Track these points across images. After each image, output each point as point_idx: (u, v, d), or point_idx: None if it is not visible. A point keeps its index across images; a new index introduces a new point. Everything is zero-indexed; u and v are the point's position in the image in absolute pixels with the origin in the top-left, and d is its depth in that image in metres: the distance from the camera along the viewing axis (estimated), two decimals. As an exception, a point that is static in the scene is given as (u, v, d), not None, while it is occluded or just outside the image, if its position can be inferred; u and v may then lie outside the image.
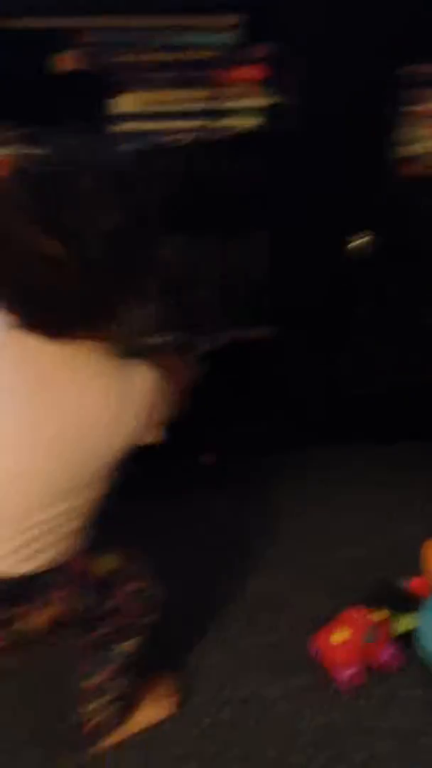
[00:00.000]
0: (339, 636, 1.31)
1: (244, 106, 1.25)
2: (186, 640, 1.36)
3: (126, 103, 1.23)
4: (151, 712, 1.25)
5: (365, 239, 1.36)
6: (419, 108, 1.32)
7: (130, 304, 0.96)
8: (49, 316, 0.91)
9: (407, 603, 1.37)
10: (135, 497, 1.08)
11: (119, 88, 1.22)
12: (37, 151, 0.99)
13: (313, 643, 1.34)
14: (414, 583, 1.42)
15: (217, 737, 1.25)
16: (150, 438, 1.02)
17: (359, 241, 1.35)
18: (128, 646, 1.11)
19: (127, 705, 1.21)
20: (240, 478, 1.61)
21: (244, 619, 1.41)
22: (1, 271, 0.90)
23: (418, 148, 1.35)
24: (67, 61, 1.20)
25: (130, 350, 1.00)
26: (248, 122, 1.26)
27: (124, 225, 0.88)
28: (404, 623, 1.34)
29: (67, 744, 1.22)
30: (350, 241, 1.36)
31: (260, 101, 1.25)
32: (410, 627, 1.34)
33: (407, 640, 1.33)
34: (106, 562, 1.08)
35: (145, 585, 1.09)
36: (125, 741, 1.23)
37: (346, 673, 1.29)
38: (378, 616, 1.32)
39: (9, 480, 0.97)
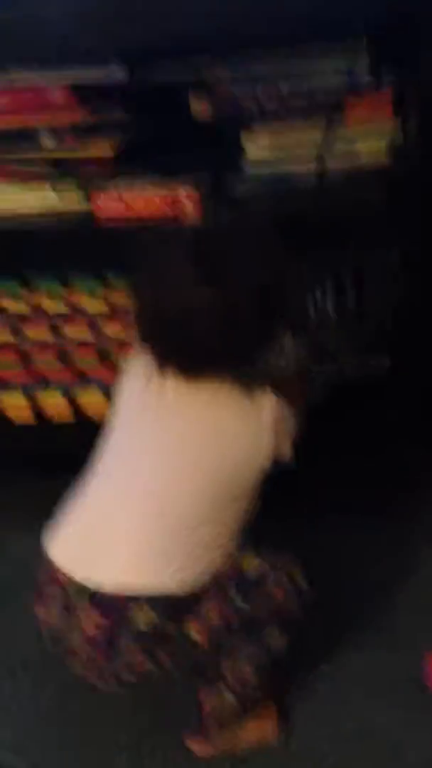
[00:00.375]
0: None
1: (371, 143, 1.27)
2: (293, 660, 1.24)
3: (256, 142, 1.29)
4: (253, 732, 1.23)
5: None
6: None
7: (265, 351, 1.09)
8: (192, 361, 1.01)
9: None
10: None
11: (250, 129, 1.29)
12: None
13: (425, 667, 1.28)
14: None
15: (318, 759, 1.21)
16: (285, 456, 1.10)
17: None
18: (270, 641, 1.10)
19: (243, 709, 1.17)
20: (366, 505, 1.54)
21: (353, 640, 1.36)
22: (154, 315, 1.00)
23: None
24: (201, 108, 1.29)
25: (256, 378, 1.08)
26: (374, 159, 1.27)
27: (268, 282, 0.98)
28: None
29: (165, 735, 1.24)
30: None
31: (386, 139, 1.27)
32: None
33: None
34: (251, 561, 1.10)
35: (293, 583, 1.10)
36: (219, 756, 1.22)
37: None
38: None
39: (170, 498, 1.05)
